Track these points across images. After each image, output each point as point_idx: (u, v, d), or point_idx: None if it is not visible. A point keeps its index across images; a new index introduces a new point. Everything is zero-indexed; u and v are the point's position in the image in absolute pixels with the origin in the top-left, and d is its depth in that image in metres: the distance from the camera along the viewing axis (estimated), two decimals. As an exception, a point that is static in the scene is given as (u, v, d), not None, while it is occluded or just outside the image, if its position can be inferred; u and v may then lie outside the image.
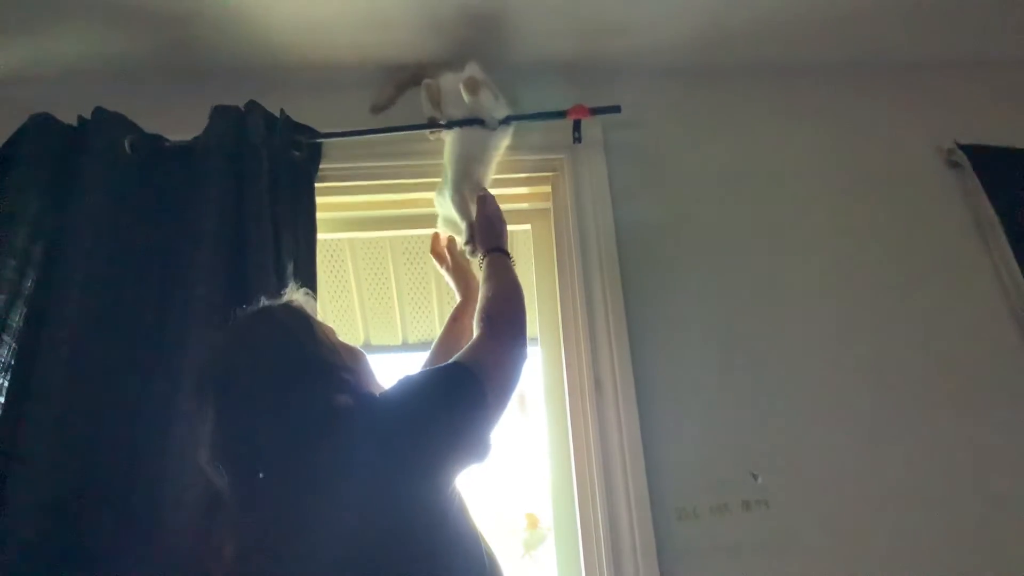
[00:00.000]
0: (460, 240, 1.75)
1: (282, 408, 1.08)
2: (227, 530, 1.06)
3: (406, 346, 2.53)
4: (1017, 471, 1.63)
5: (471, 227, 1.70)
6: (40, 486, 1.35)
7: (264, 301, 1.29)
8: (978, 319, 1.82)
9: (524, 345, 1.36)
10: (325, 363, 1.16)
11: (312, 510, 1.01)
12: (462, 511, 1.11)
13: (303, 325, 1.21)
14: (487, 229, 1.64)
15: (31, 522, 1.32)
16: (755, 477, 1.58)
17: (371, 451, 1.04)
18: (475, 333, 1.37)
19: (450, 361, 1.25)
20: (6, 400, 1.47)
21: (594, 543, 1.54)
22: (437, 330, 2.47)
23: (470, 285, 1.78)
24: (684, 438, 1.62)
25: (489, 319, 1.38)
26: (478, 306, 1.43)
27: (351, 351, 1.29)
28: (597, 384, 1.66)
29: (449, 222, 1.80)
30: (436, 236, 1.85)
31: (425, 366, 1.67)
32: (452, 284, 1.82)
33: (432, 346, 1.74)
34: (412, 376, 1.19)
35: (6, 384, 1.49)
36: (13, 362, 1.51)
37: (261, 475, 1.05)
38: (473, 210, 1.71)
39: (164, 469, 1.38)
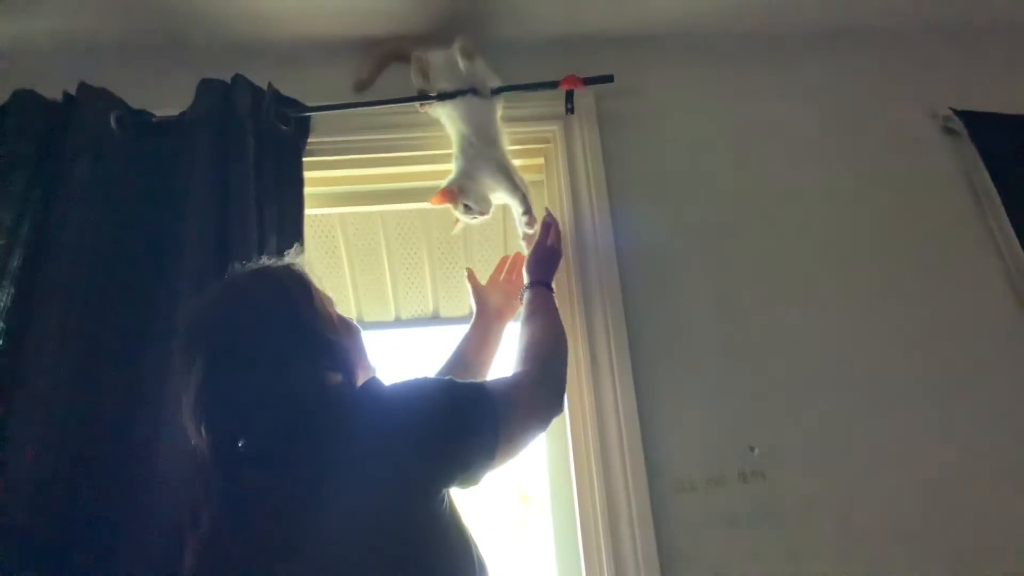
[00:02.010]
0: (516, 210, 1.74)
1: (269, 376, 1.06)
2: (203, 496, 1.03)
3: (399, 322, 2.51)
4: (1017, 441, 1.63)
5: (525, 200, 1.71)
6: (29, 468, 1.35)
7: (265, 260, 1.26)
8: (975, 287, 1.81)
9: (562, 404, 1.31)
10: (320, 336, 1.14)
11: (290, 492, 0.98)
12: (452, 516, 1.06)
13: (302, 291, 1.18)
14: (543, 260, 1.62)
15: (22, 503, 1.32)
16: (752, 449, 1.58)
17: (365, 446, 1.01)
18: (519, 366, 1.32)
19: (482, 387, 1.18)
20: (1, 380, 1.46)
21: (591, 516, 1.54)
22: (430, 306, 2.47)
23: (487, 310, 1.73)
24: (681, 411, 1.62)
25: (541, 363, 1.32)
26: (527, 338, 1.39)
27: (347, 325, 1.26)
28: (593, 359, 1.65)
29: (464, 177, 1.74)
30: (470, 272, 1.81)
31: (447, 367, 1.62)
32: (473, 308, 1.76)
33: (457, 346, 1.69)
34: (430, 384, 1.14)
35: (-8, 367, 1.48)
36: (2, 342, 1.49)
37: (241, 443, 1.03)
38: (516, 185, 1.72)
39: (156, 439, 1.37)
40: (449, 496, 1.06)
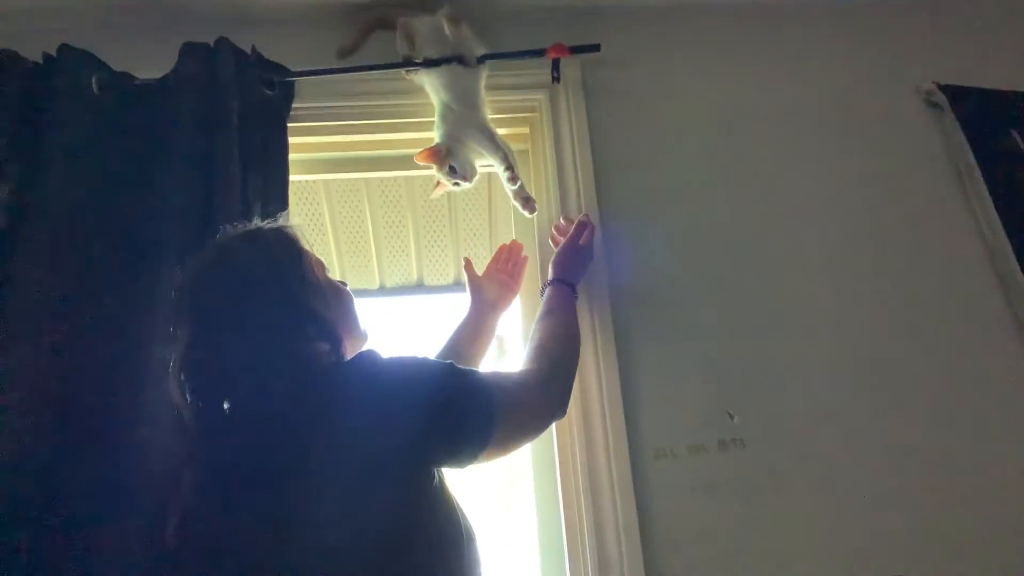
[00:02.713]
0: (498, 168, 1.72)
1: (255, 341, 1.05)
2: (185, 462, 1.02)
3: (383, 290, 2.52)
4: (991, 412, 1.66)
5: (507, 158, 1.70)
6: (14, 438, 1.34)
7: (258, 222, 1.25)
8: (956, 262, 1.83)
9: (565, 407, 1.27)
10: (307, 305, 1.13)
11: (276, 459, 0.97)
12: (441, 489, 1.05)
13: (292, 257, 1.18)
14: (571, 259, 1.58)
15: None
16: (731, 416, 1.59)
17: (357, 419, 0.98)
18: (528, 364, 1.28)
19: (484, 379, 1.15)
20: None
21: (572, 482, 1.55)
22: (415, 274, 2.47)
23: (482, 300, 1.71)
24: (661, 378, 1.63)
25: (551, 364, 1.28)
26: (540, 336, 1.36)
27: (337, 291, 1.26)
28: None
29: (450, 140, 1.73)
30: (467, 261, 1.78)
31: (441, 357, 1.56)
32: (469, 298, 1.73)
33: (450, 337, 1.66)
34: (429, 366, 1.10)
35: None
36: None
37: (226, 405, 1.02)
38: (498, 145, 1.71)
39: (136, 409, 1.37)
40: (439, 471, 1.06)
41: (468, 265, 1.76)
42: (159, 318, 1.43)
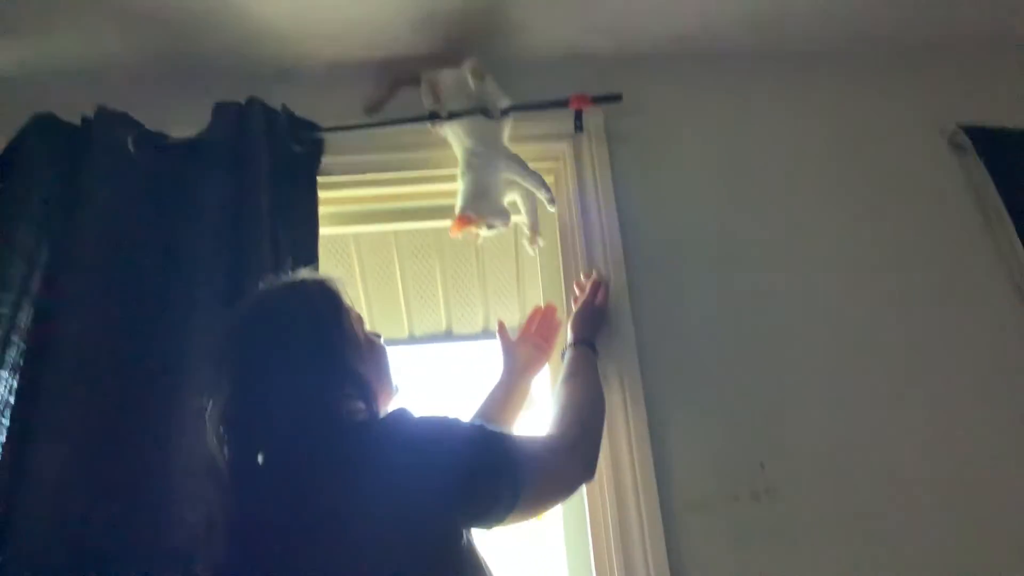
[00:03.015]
0: (539, 193, 1.77)
1: (294, 395, 1.06)
2: (219, 512, 1.03)
3: (412, 339, 2.53)
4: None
5: (542, 180, 1.75)
6: (49, 488, 1.37)
7: (302, 272, 1.27)
8: (983, 304, 1.80)
9: (593, 471, 1.27)
10: (346, 361, 1.14)
11: (307, 514, 0.97)
12: (470, 550, 1.04)
13: (333, 311, 1.19)
14: (590, 319, 1.60)
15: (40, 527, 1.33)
16: (762, 466, 1.57)
17: (388, 479, 0.98)
18: (555, 427, 1.28)
19: (513, 442, 1.14)
20: (16, 400, 1.48)
21: (603, 538, 1.53)
22: (443, 323, 2.49)
23: (515, 364, 1.69)
24: (692, 428, 1.62)
25: (581, 428, 1.28)
26: (566, 399, 1.36)
27: (373, 346, 1.27)
28: (603, 375, 1.65)
29: (477, 194, 1.74)
30: (501, 324, 1.77)
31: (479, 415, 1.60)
32: (501, 360, 1.72)
33: (483, 401, 1.64)
34: (460, 428, 1.10)
35: (16, 385, 1.50)
36: (22, 362, 1.52)
37: (261, 458, 1.03)
38: (529, 169, 1.75)
39: (168, 458, 1.39)
40: (468, 531, 1.05)
41: (502, 328, 1.75)
42: (190, 370, 1.46)
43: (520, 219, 1.87)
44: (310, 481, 1.00)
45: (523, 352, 1.71)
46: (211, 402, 1.08)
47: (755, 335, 1.74)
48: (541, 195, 1.77)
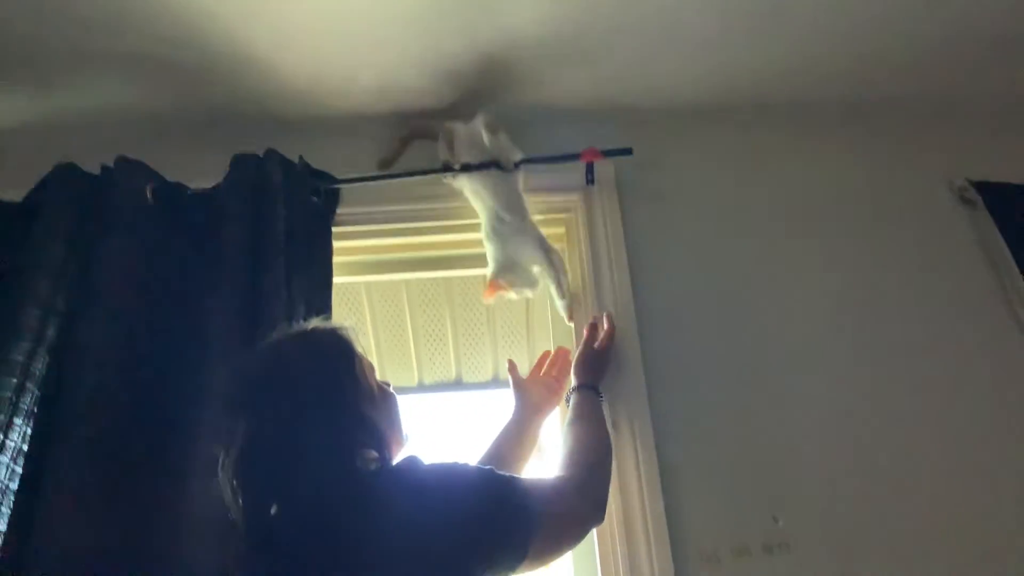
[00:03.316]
0: (554, 291, 1.81)
1: (307, 447, 1.06)
2: (234, 565, 1.04)
3: (422, 387, 2.53)
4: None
5: (560, 277, 1.77)
6: (62, 537, 1.37)
7: (315, 321, 1.28)
8: (994, 357, 1.81)
9: (603, 514, 1.27)
10: (358, 411, 1.14)
11: (321, 565, 0.98)
12: None
13: (345, 360, 1.20)
14: (592, 363, 1.61)
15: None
16: (776, 520, 1.56)
17: (399, 527, 1.00)
18: (563, 471, 1.28)
19: (523, 487, 1.14)
20: (30, 447, 1.49)
21: (614, 587, 1.52)
22: (453, 371, 2.48)
23: (526, 403, 1.69)
24: (704, 480, 1.61)
25: (588, 471, 1.29)
26: (572, 442, 1.36)
27: (385, 395, 1.28)
28: (614, 425, 1.65)
29: (507, 265, 1.78)
30: (511, 364, 1.78)
31: (484, 461, 1.56)
32: (513, 400, 1.73)
33: (494, 440, 1.64)
34: (470, 474, 1.12)
35: (29, 431, 1.50)
36: (36, 409, 1.52)
37: (273, 510, 1.03)
38: (559, 277, 1.78)
39: (181, 512, 1.39)
40: None
41: (512, 368, 1.76)
42: (205, 420, 1.46)
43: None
44: (324, 532, 1.00)
45: (535, 392, 1.71)
46: (224, 453, 1.09)
47: (766, 386, 1.74)
48: (553, 291, 1.81)
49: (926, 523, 1.59)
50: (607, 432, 1.46)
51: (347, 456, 1.09)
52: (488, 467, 1.14)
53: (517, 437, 1.64)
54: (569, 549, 1.21)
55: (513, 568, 1.07)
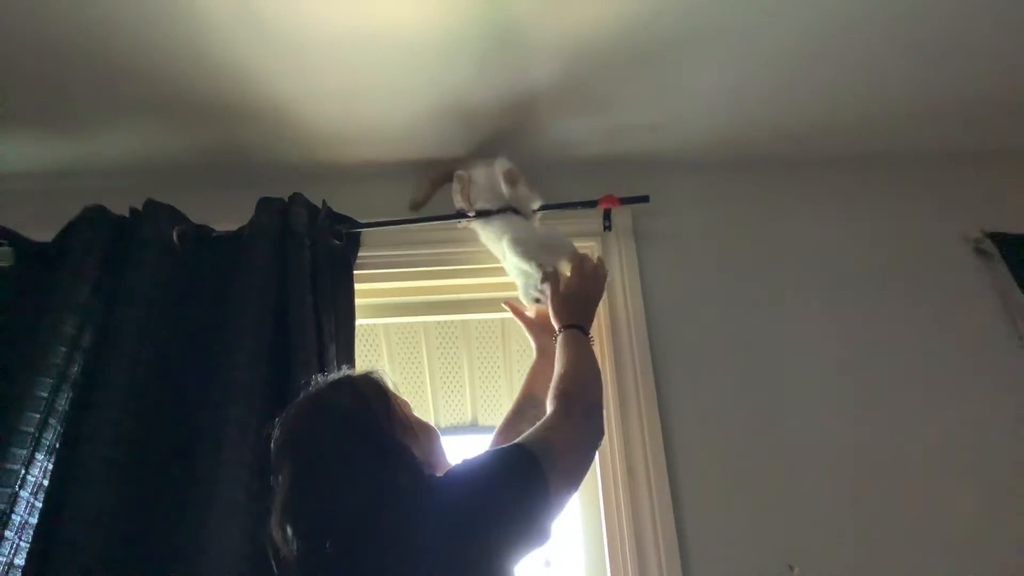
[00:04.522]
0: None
1: (353, 481, 1.10)
2: None
3: (439, 429, 2.53)
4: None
5: (546, 274, 1.71)
6: (80, 572, 1.38)
7: (345, 370, 1.33)
8: (1011, 408, 1.80)
9: (598, 424, 1.32)
10: (397, 441, 1.17)
11: None
12: None
13: (380, 398, 1.23)
14: (567, 304, 1.61)
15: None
16: (792, 569, 1.56)
17: (430, 534, 1.04)
18: (548, 410, 1.32)
19: (515, 442, 1.19)
20: (51, 484, 1.50)
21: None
22: (469, 413, 2.49)
23: (546, 344, 1.73)
24: (719, 527, 1.61)
25: (563, 396, 1.32)
26: (552, 382, 1.39)
27: (425, 428, 1.31)
28: (630, 471, 1.66)
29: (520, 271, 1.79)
30: (509, 302, 1.84)
31: (499, 430, 1.64)
32: (530, 340, 1.80)
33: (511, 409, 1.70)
34: (473, 459, 1.16)
35: (50, 467, 1.53)
36: (58, 445, 1.55)
37: (329, 545, 1.05)
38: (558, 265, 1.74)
39: (203, 554, 1.40)
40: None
41: (513, 309, 1.82)
42: (227, 461, 1.47)
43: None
44: (378, 562, 1.03)
45: (543, 338, 1.76)
46: (274, 498, 1.13)
47: (782, 434, 1.74)
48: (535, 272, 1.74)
49: (949, 569, 1.58)
50: (582, 353, 1.45)
51: (390, 484, 1.11)
52: (490, 449, 1.20)
53: (543, 369, 1.69)
54: (586, 464, 1.25)
55: (551, 509, 1.13)
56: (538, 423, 1.28)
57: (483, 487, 1.12)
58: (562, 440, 1.22)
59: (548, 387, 1.55)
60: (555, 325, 1.58)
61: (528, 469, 1.13)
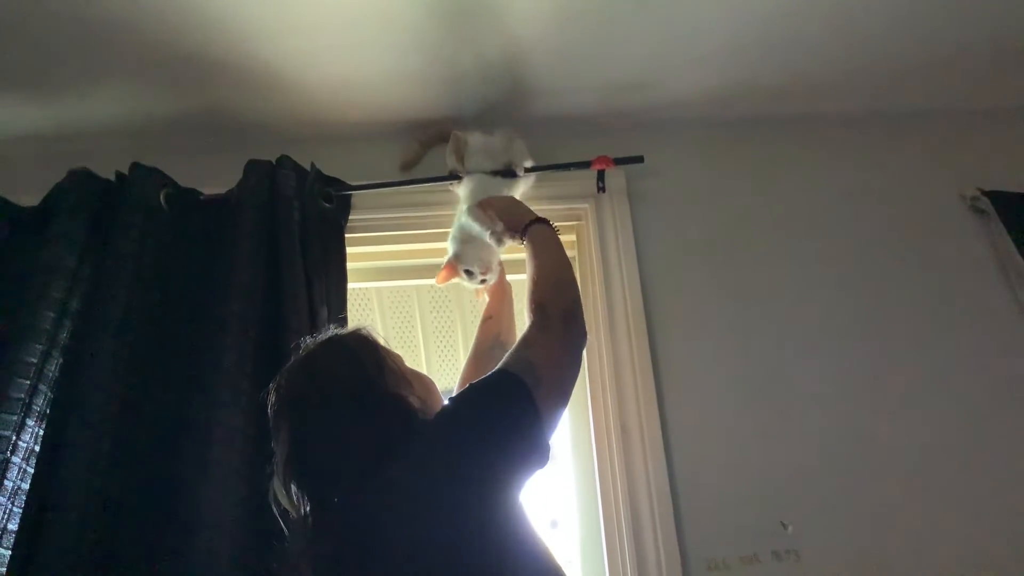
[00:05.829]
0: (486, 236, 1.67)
1: (351, 434, 1.11)
2: (301, 558, 1.07)
3: (432, 393, 2.54)
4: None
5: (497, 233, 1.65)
6: (72, 537, 1.38)
7: (334, 329, 1.31)
8: (1007, 368, 1.80)
9: (579, 328, 1.27)
10: (391, 392, 1.18)
11: (381, 533, 1.01)
12: (526, 524, 1.08)
13: (370, 352, 1.24)
14: (512, 209, 1.60)
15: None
16: (785, 526, 1.56)
17: (429, 472, 1.04)
18: (527, 323, 1.28)
19: (496, 368, 1.16)
20: (42, 449, 1.50)
21: (624, 598, 1.52)
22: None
23: (498, 285, 1.76)
24: (713, 486, 1.62)
25: (539, 308, 1.28)
26: (527, 293, 1.34)
27: (419, 377, 1.31)
28: (624, 430, 1.66)
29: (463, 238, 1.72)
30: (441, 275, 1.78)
31: (464, 370, 1.69)
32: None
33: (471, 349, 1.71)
34: (458, 395, 1.15)
35: (41, 432, 1.52)
36: (49, 411, 1.54)
37: (336, 499, 1.07)
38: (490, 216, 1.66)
39: (197, 516, 1.40)
40: (523, 508, 1.09)
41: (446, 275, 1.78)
42: (219, 423, 1.47)
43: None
44: (384, 509, 1.03)
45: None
46: (273, 462, 1.14)
47: (776, 394, 1.74)
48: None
49: (936, 529, 1.59)
50: (558, 255, 1.43)
51: (384, 429, 1.12)
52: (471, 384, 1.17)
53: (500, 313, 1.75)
54: (573, 373, 1.22)
55: (545, 425, 1.11)
56: (517, 341, 1.24)
57: (471, 418, 1.11)
58: (543, 356, 1.19)
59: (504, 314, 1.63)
60: (510, 239, 1.59)
61: (512, 391, 1.11)
